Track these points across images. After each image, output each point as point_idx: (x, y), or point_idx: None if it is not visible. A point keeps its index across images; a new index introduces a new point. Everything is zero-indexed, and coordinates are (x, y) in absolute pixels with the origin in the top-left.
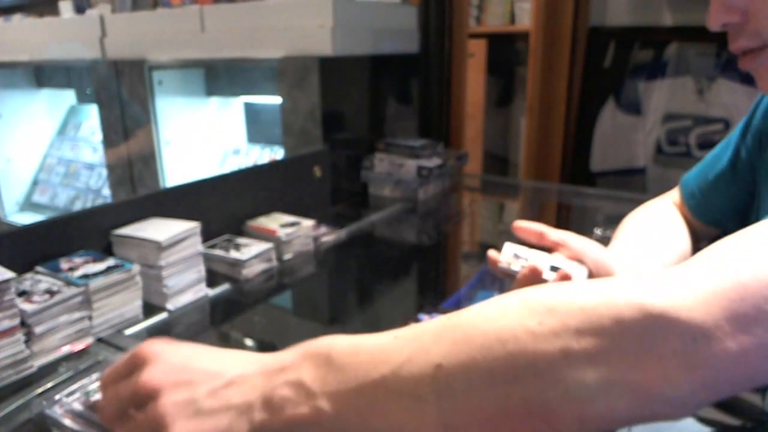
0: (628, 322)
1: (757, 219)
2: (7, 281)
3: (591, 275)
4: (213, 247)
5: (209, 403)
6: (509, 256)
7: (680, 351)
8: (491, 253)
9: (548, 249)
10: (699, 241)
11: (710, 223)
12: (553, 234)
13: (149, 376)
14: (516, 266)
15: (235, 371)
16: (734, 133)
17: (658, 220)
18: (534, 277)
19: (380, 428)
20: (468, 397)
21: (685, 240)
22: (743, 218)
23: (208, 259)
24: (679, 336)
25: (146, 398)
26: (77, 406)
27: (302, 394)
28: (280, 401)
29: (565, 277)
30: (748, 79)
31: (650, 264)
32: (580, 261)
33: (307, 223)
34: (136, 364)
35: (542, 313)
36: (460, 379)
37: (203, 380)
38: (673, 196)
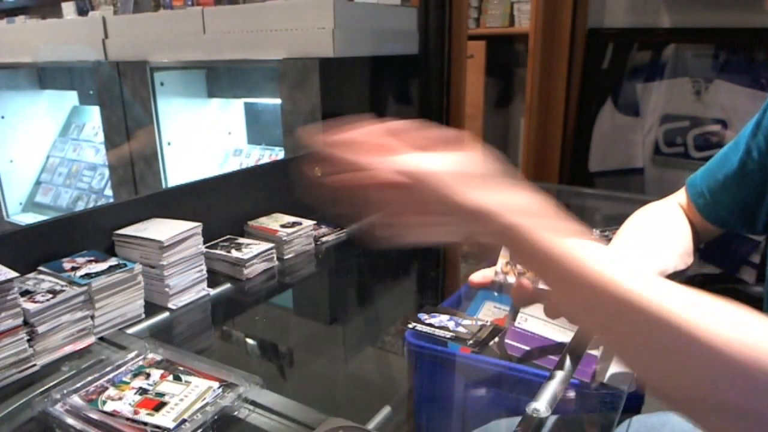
0: None
1: (765, 220)
2: (10, 281)
3: None
4: (214, 246)
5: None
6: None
7: None
8: (473, 278)
9: None
10: (702, 241)
11: (718, 222)
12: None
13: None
14: (511, 277)
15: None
16: (744, 132)
17: (660, 220)
18: (523, 290)
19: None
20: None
21: (685, 240)
22: (751, 218)
23: (209, 258)
24: None
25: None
26: (79, 404)
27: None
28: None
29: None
30: (745, 81)
31: (649, 264)
32: None
33: (308, 223)
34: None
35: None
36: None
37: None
38: (679, 197)
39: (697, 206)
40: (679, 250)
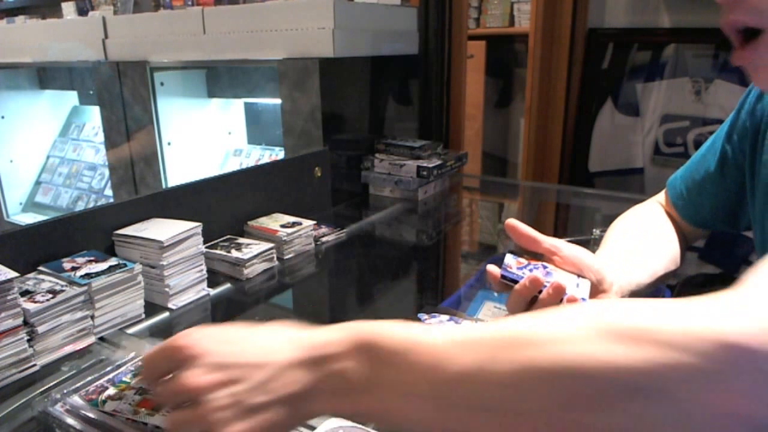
0: (712, 356)
1: (748, 218)
2: (10, 281)
3: (592, 285)
4: (214, 246)
5: (256, 400)
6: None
7: (757, 386)
8: (491, 267)
9: (540, 256)
10: (688, 242)
11: (697, 223)
12: (547, 241)
13: (191, 378)
14: (521, 274)
15: (277, 358)
16: (719, 133)
17: (646, 224)
18: (533, 289)
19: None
20: (532, 418)
21: (673, 243)
22: (733, 218)
23: (209, 258)
24: (763, 370)
25: (192, 399)
26: (79, 404)
27: (347, 390)
28: (325, 394)
29: (558, 289)
30: (745, 81)
31: (640, 270)
32: (579, 272)
33: (308, 223)
34: (176, 359)
35: (619, 343)
36: (523, 401)
37: (246, 375)
38: (660, 198)
39: (676, 207)
40: (668, 252)
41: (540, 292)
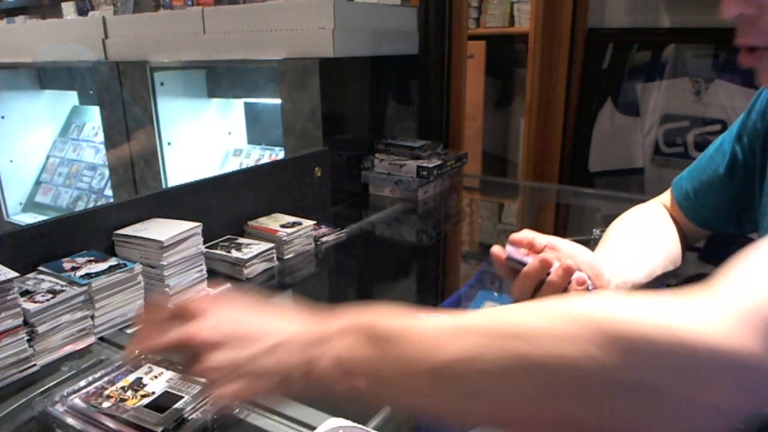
0: (688, 356)
1: (753, 220)
2: (10, 281)
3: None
4: (214, 246)
5: (250, 367)
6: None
7: (736, 382)
8: (495, 249)
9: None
10: (690, 242)
11: (702, 224)
12: (542, 239)
13: (198, 330)
14: (526, 258)
15: (280, 335)
16: (728, 134)
17: (646, 222)
18: (543, 270)
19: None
20: (518, 406)
21: (673, 242)
22: (738, 220)
23: (209, 258)
24: (733, 368)
25: (192, 349)
26: (79, 404)
27: (339, 371)
28: (317, 374)
29: (568, 270)
30: (745, 81)
31: (638, 270)
32: (576, 268)
33: (308, 223)
34: (186, 314)
35: (605, 343)
36: (508, 390)
37: (246, 343)
38: (664, 198)
39: (681, 208)
40: (667, 252)
41: (547, 275)
